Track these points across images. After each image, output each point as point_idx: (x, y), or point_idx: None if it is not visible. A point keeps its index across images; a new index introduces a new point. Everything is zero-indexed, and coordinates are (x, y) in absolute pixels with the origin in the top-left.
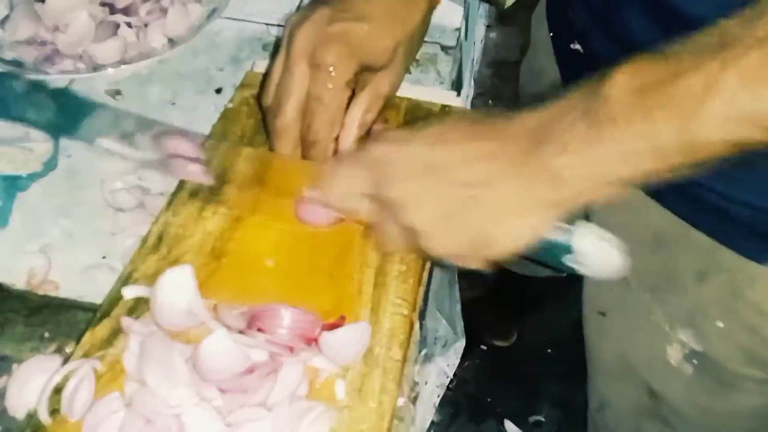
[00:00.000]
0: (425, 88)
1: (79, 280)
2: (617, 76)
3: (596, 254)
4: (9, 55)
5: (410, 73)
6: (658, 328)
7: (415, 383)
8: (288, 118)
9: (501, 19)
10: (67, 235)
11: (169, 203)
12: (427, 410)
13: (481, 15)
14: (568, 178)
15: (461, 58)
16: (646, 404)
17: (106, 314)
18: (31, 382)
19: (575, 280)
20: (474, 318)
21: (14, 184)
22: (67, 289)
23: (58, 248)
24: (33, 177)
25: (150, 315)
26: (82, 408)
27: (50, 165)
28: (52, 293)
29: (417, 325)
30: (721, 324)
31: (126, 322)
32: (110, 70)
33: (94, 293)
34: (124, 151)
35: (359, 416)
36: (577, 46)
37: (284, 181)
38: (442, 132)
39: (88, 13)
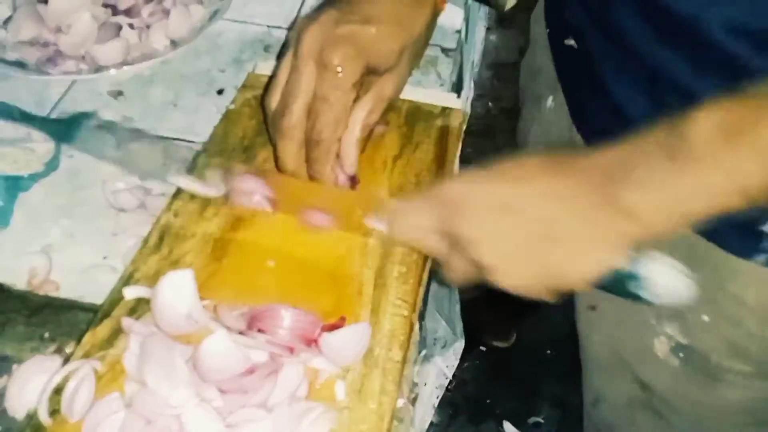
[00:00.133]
0: (426, 90)
1: (80, 281)
2: (700, 115)
3: (665, 282)
4: (12, 55)
5: (411, 75)
6: (646, 321)
7: (415, 384)
8: (294, 118)
9: (501, 21)
10: (68, 235)
11: (171, 204)
12: (426, 411)
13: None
14: (646, 214)
15: (461, 60)
16: (639, 396)
17: (106, 314)
18: (32, 383)
19: None
20: (473, 319)
21: (16, 184)
22: (67, 290)
23: (59, 248)
24: (35, 177)
25: (151, 316)
26: (82, 408)
27: (52, 165)
28: (53, 293)
29: (417, 326)
30: (706, 317)
31: (126, 322)
32: (112, 71)
33: (95, 293)
34: (194, 186)
35: (359, 417)
36: (572, 42)
37: (340, 210)
38: (516, 170)
39: (90, 14)
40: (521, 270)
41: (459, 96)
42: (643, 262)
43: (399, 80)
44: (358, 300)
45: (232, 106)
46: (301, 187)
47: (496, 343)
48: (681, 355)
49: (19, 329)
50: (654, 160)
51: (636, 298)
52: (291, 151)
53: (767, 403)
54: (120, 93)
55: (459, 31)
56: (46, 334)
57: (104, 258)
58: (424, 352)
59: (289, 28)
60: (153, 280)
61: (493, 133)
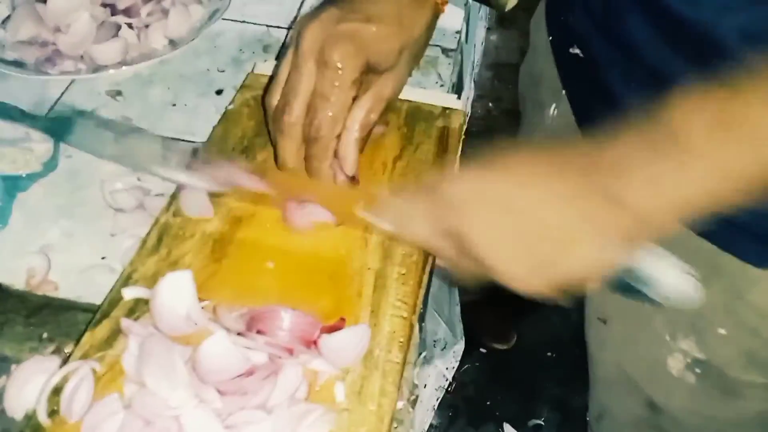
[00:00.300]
0: (426, 91)
1: (79, 281)
2: (682, 104)
3: (671, 282)
4: (10, 55)
5: (411, 76)
6: (659, 337)
7: (415, 386)
8: (295, 115)
9: (501, 21)
10: (66, 235)
11: (169, 204)
12: (425, 413)
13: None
14: (636, 206)
15: (462, 61)
16: (645, 416)
17: (105, 315)
18: (30, 383)
19: None
20: (473, 321)
21: (14, 184)
22: (66, 290)
23: (57, 249)
24: (33, 177)
25: (149, 316)
26: (81, 409)
27: (50, 165)
28: (52, 294)
29: (417, 328)
30: (723, 330)
31: (125, 323)
32: (111, 71)
33: (94, 294)
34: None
35: (358, 419)
36: (577, 51)
37: (292, 188)
38: (517, 169)
39: (89, 14)
40: (525, 270)
41: (459, 97)
42: (648, 261)
43: (398, 80)
44: (357, 301)
45: (231, 107)
46: (300, 182)
47: (496, 345)
48: (697, 371)
49: (17, 329)
50: (641, 151)
51: (642, 297)
52: (291, 148)
53: None
54: (119, 93)
55: (459, 32)
56: (45, 335)
57: (103, 258)
58: (424, 354)
59: (289, 28)
60: (152, 280)
61: (493, 134)
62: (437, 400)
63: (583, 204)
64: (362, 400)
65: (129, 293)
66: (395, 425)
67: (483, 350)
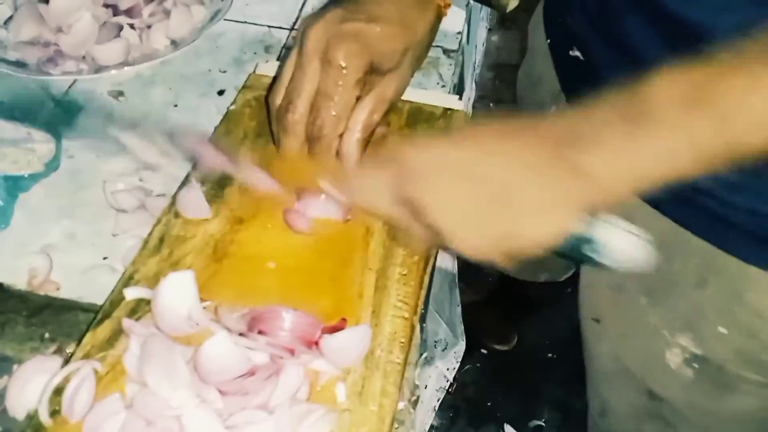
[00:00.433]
0: (427, 92)
1: (81, 281)
2: (658, 78)
3: (621, 247)
4: (12, 55)
5: (412, 76)
6: (656, 332)
7: (416, 387)
8: (298, 113)
9: (502, 22)
10: (68, 235)
11: (171, 204)
12: (426, 414)
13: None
14: (601, 176)
15: (463, 62)
16: (647, 406)
17: (107, 315)
18: (32, 383)
19: (575, 283)
20: (474, 321)
21: (16, 184)
22: (68, 290)
23: (59, 249)
24: (35, 177)
25: (151, 317)
26: (82, 409)
27: (52, 166)
28: (53, 294)
29: (418, 329)
30: (721, 328)
31: (127, 323)
32: (113, 72)
33: (95, 294)
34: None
35: (360, 419)
36: (577, 53)
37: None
38: (468, 132)
39: (91, 14)
40: (476, 234)
41: (460, 97)
42: (599, 226)
43: (401, 82)
44: (358, 302)
45: (233, 107)
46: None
47: (497, 346)
48: (695, 365)
49: (19, 329)
50: (611, 122)
51: (593, 262)
52: (294, 147)
53: None
54: (120, 93)
55: (460, 33)
56: (47, 335)
57: (104, 258)
58: (425, 355)
59: (290, 29)
60: (153, 281)
61: None
62: (438, 400)
63: (544, 171)
64: (363, 400)
65: (130, 293)
66: (396, 426)
67: (484, 351)
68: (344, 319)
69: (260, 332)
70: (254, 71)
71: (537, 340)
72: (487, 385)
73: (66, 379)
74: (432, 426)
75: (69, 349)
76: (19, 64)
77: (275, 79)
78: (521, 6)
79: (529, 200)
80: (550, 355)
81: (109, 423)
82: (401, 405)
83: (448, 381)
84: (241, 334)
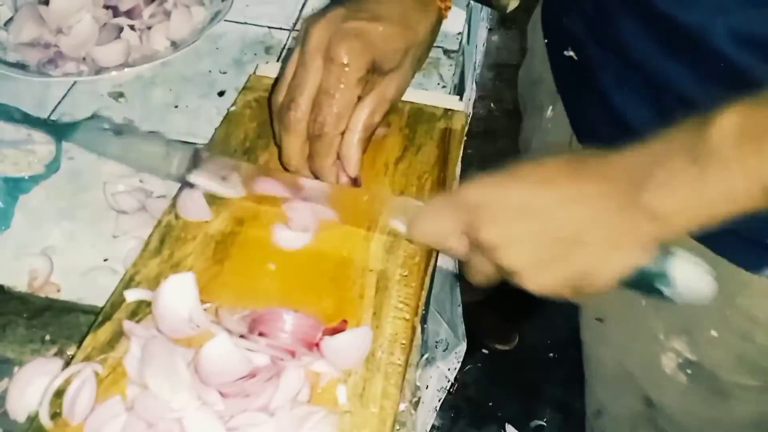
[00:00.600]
0: (428, 92)
1: (81, 283)
2: (723, 118)
3: (689, 280)
4: (13, 57)
5: (413, 77)
6: (654, 336)
7: (417, 388)
8: (300, 111)
9: (503, 22)
10: (69, 237)
11: (171, 206)
12: (428, 414)
13: (483, 19)
14: (669, 216)
15: (463, 62)
16: (643, 412)
17: (107, 317)
18: (33, 385)
19: None
20: (475, 322)
21: (17, 186)
22: (68, 292)
23: (60, 250)
24: (35, 179)
25: (152, 318)
26: (83, 411)
27: (52, 167)
28: (54, 295)
29: (419, 330)
30: (714, 333)
31: (128, 325)
32: (113, 73)
33: (96, 296)
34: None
35: (361, 421)
36: (571, 53)
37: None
38: (538, 173)
39: (91, 15)
40: (547, 274)
41: (461, 98)
42: (670, 260)
43: (402, 82)
44: (359, 303)
45: (233, 108)
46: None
47: (498, 346)
48: (689, 371)
49: (19, 331)
50: (677, 162)
51: (659, 295)
52: (296, 145)
53: None
54: (121, 94)
55: (461, 33)
56: (47, 337)
57: (105, 260)
58: (426, 356)
59: (291, 30)
60: (154, 282)
61: (495, 135)
62: (439, 401)
63: (605, 207)
64: (364, 402)
65: (131, 295)
66: (397, 427)
67: (485, 351)
68: (345, 321)
69: (261, 334)
70: (254, 72)
71: (538, 340)
72: (488, 385)
73: (67, 382)
74: (433, 426)
75: (70, 351)
76: (20, 66)
77: (277, 79)
78: (521, 6)
79: (599, 241)
80: (551, 355)
81: (110, 425)
82: (402, 406)
83: (449, 381)
84: (241, 336)
